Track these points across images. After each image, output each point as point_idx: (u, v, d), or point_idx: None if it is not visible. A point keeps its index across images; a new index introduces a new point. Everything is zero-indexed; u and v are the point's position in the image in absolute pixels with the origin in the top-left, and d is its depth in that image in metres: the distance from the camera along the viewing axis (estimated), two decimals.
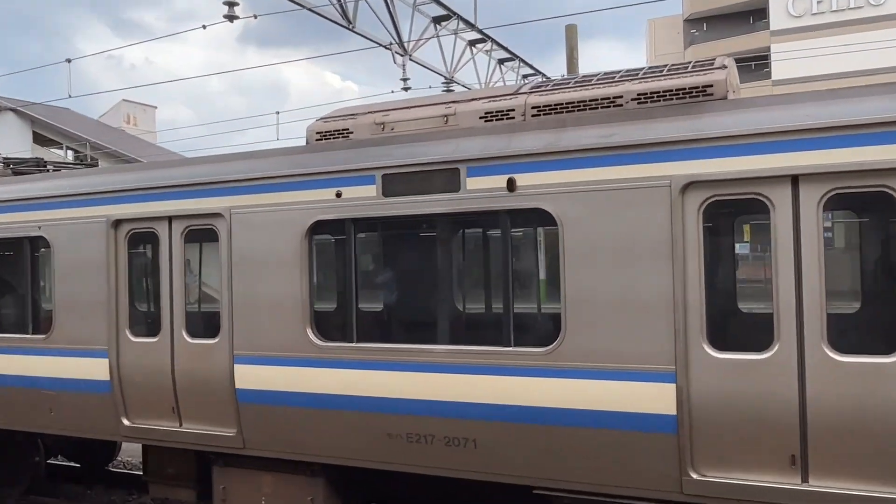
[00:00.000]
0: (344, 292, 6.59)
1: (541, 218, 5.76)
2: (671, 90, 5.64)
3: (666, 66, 6.09)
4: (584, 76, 6.35)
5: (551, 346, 5.56)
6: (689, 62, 6.03)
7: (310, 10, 15.66)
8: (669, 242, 5.20)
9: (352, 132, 6.76)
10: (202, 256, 8.30)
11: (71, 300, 7.70)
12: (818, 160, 4.84)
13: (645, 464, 5.31)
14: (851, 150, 4.76)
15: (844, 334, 5.28)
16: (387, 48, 17.98)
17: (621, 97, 5.80)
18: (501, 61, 23.89)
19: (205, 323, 7.49)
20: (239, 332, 6.76)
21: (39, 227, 7.95)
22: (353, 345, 6.31)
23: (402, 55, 18.38)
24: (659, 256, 5.23)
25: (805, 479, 4.93)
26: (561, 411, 5.52)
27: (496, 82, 23.20)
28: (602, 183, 5.42)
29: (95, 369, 7.51)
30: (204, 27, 16.00)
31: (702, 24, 52.66)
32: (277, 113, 27.14)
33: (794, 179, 4.95)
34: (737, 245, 7.11)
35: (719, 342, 5.18)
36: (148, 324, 7.67)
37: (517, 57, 23.90)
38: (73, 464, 10.85)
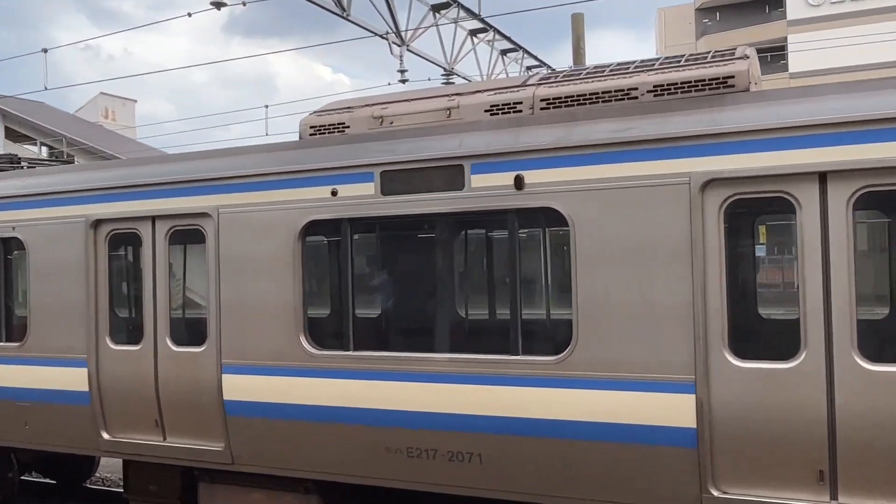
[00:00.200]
0: (339, 297, 6.56)
1: (550, 218, 5.74)
2: (689, 81, 5.62)
3: (683, 56, 6.08)
4: (596, 67, 6.33)
5: (562, 355, 5.53)
6: (708, 52, 6.01)
7: None
8: (688, 243, 5.17)
9: (348, 126, 6.74)
10: (188, 259, 8.27)
11: (47, 306, 7.65)
12: (848, 156, 4.81)
13: (662, 480, 5.28)
14: (883, 145, 4.74)
15: (875, 341, 5.25)
16: (383, 38, 17.96)
17: (636, 89, 5.79)
18: (504, 52, 23.91)
19: (190, 330, 7.46)
20: (227, 340, 6.72)
21: (13, 228, 7.91)
22: (349, 353, 6.27)
23: (399, 45, 18.36)
24: (677, 258, 5.20)
25: (834, 497, 4.89)
26: (572, 424, 5.49)
27: (498, 74, 23.20)
28: (616, 180, 5.39)
29: (73, 379, 7.46)
30: (189, 14, 15.96)
31: (714, 14, 52.76)
32: (267, 107, 27.20)
33: (822, 176, 4.92)
34: (760, 246, 7.10)
35: (741, 350, 5.15)
36: (130, 331, 7.64)
37: (521, 47, 23.92)
38: (48, 480, 10.79)
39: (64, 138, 41.76)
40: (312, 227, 6.48)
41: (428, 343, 6.28)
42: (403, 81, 19.10)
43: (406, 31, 18.48)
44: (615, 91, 5.85)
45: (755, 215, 6.68)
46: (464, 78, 21.49)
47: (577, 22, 18.52)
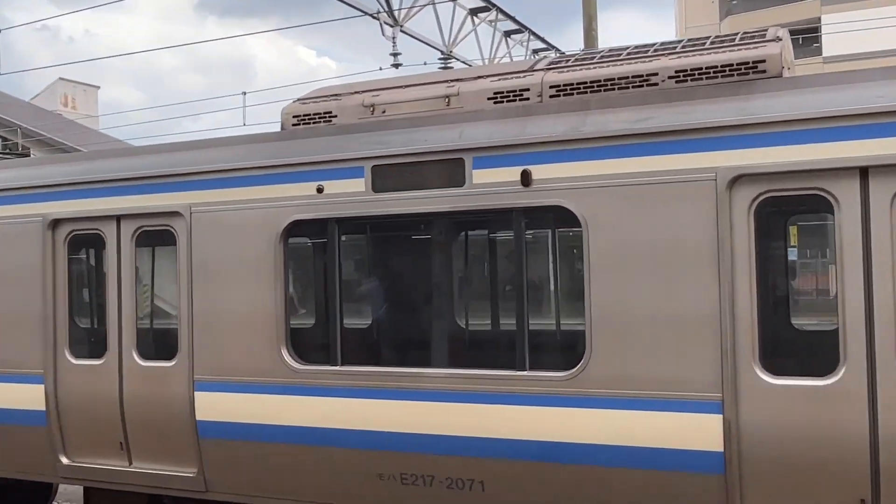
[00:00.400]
0: (326, 306, 6.57)
1: (561, 217, 5.76)
2: (716, 66, 5.62)
3: (708, 38, 6.09)
4: (611, 50, 6.34)
5: (573, 370, 5.53)
6: (736, 33, 6.03)
7: None
8: (714, 246, 5.17)
9: (335, 116, 6.75)
10: (156, 263, 8.27)
11: None
12: (892, 150, 4.81)
13: None
14: None
15: None
16: (374, 17, 17.99)
17: (656, 74, 5.79)
18: (508, 34, 23.98)
19: (159, 342, 7.47)
20: (200, 353, 6.71)
21: None
22: (336, 368, 6.26)
23: (391, 26, 18.40)
24: (701, 263, 5.20)
25: None
26: (584, 447, 5.48)
27: (502, 58, 23.26)
28: (634, 176, 5.39)
29: (28, 397, 7.44)
30: None
31: None
32: (244, 94, 27.22)
33: (864, 172, 4.92)
34: (792, 249, 7.11)
35: (773, 366, 5.14)
36: (91, 343, 7.64)
37: (526, 28, 23.99)
38: None
39: (19, 128, 41.78)
40: (296, 228, 6.47)
41: (424, 357, 6.29)
42: (397, 66, 19.14)
43: (399, 9, 18.52)
44: (633, 77, 5.85)
45: (788, 215, 6.70)
46: (464, 62, 21.53)
47: (589, 1, 18.52)
